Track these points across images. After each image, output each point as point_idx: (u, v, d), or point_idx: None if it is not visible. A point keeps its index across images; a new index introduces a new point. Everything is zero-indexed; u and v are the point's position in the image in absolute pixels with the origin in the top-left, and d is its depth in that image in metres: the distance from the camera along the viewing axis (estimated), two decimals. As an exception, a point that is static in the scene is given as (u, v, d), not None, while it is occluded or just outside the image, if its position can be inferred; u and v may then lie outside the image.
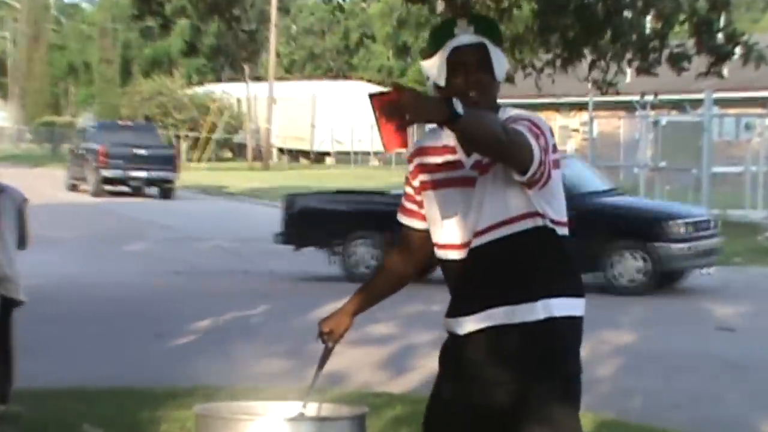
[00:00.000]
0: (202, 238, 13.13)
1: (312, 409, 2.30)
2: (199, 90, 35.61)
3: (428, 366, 4.67)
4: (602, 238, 8.92)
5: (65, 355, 6.11)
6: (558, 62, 9.60)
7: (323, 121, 32.64)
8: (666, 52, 9.48)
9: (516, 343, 2.14)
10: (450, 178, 2.20)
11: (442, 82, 2.17)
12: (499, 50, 2.20)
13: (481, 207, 2.15)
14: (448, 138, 2.18)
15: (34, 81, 47.29)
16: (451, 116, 1.94)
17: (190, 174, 25.08)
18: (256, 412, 2.30)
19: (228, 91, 34.34)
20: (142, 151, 19.84)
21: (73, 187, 21.21)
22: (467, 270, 2.18)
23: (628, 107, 18.23)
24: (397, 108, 1.90)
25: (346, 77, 42.14)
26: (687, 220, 9.17)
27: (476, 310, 2.17)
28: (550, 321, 2.14)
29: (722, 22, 9.43)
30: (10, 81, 48.93)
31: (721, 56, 9.39)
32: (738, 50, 9.39)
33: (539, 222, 2.16)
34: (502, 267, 2.16)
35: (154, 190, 20.36)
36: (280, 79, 36.25)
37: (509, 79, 8.82)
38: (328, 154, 33.27)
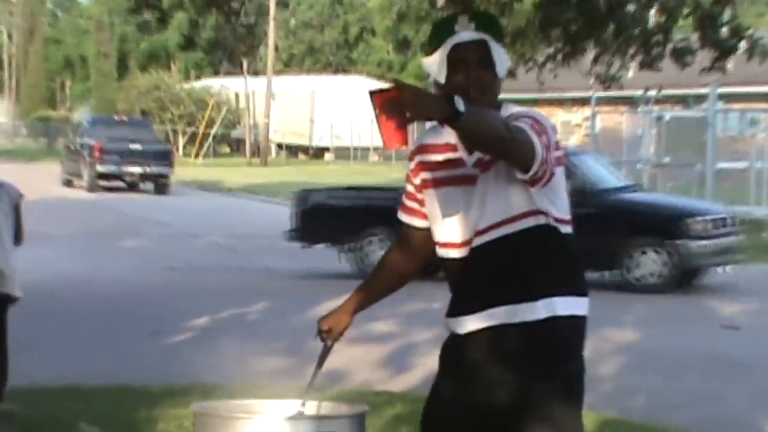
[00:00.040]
0: (198, 234, 13.09)
1: (311, 407, 2.28)
2: (196, 84, 35.57)
3: (429, 364, 4.65)
4: (621, 236, 8.83)
5: (60, 352, 6.08)
6: (559, 56, 9.54)
7: (322, 116, 32.59)
8: (669, 47, 9.44)
9: (518, 342, 2.13)
10: (451, 176, 2.18)
11: (442, 80, 2.16)
12: (501, 47, 2.18)
13: (483, 205, 2.14)
14: (449, 135, 2.16)
15: (29, 75, 47.23)
16: (452, 114, 1.92)
17: (187, 169, 25.04)
18: (254, 411, 2.28)
19: (226, 86, 34.27)
20: (137, 147, 19.81)
21: (68, 183, 21.18)
22: (468, 269, 2.17)
23: (631, 102, 18.18)
24: (397, 105, 1.89)
25: (345, 72, 42.11)
26: (707, 217, 9.07)
27: (477, 309, 2.16)
28: (553, 320, 2.12)
29: (726, 16, 9.38)
30: (5, 75, 48.86)
31: (725, 50, 9.34)
32: (742, 44, 9.35)
33: (542, 220, 2.15)
34: (503, 266, 2.15)
35: (149, 186, 20.31)
36: (278, 73, 36.20)
37: (511, 73, 8.77)
38: (327, 149, 33.21)
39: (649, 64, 9.36)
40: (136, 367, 5.61)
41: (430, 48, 2.21)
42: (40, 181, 19.60)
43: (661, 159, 15.58)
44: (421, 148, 2.24)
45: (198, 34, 44.87)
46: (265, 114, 31.48)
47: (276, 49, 36.24)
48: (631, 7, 9.05)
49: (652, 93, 13.41)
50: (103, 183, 20.07)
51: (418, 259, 2.33)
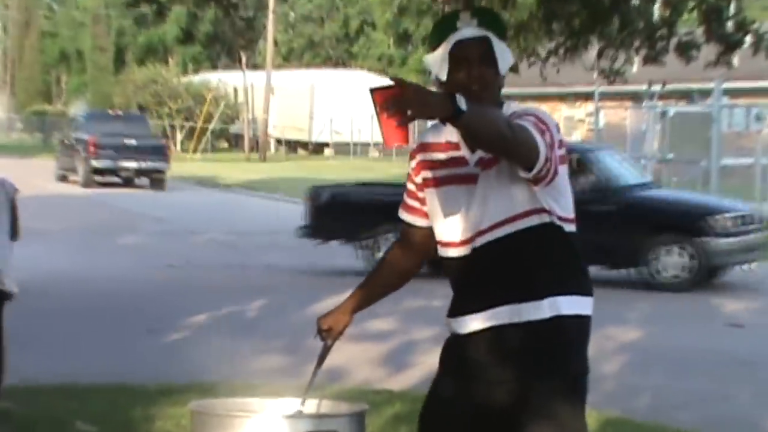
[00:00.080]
0: (196, 231, 13.04)
1: (311, 406, 2.27)
2: (194, 79, 35.46)
3: (429, 362, 4.64)
4: (644, 233, 8.75)
5: (56, 350, 6.05)
6: (562, 50, 9.47)
7: (322, 111, 32.52)
8: (674, 41, 9.37)
9: (521, 342, 2.12)
10: (453, 175, 2.17)
11: (444, 77, 2.16)
12: (503, 44, 2.19)
13: (485, 204, 2.14)
14: (451, 134, 2.17)
15: (25, 69, 47.11)
16: (454, 113, 1.91)
17: (185, 165, 25.01)
18: (253, 409, 2.27)
19: (224, 80, 34.21)
20: (133, 142, 19.79)
21: (63, 178, 21.16)
22: (471, 268, 2.16)
23: (635, 97, 18.13)
24: (398, 103, 1.89)
25: (345, 66, 42.06)
26: (732, 214, 9.00)
27: (480, 309, 2.14)
28: (557, 319, 2.11)
29: (732, 9, 9.31)
30: (0, 69, 48.70)
31: (730, 45, 9.28)
32: (748, 39, 9.28)
33: (545, 218, 2.14)
34: (507, 265, 2.14)
35: (144, 181, 20.31)
36: (278, 67, 36.15)
37: (513, 68, 8.69)
38: (326, 144, 33.16)
39: (653, 58, 9.29)
40: (133, 365, 5.59)
41: (431, 45, 2.20)
42: (34, 177, 19.54)
43: (666, 155, 15.52)
44: (423, 147, 2.23)
45: (196, 27, 44.74)
46: (264, 109, 31.43)
47: (275, 42, 36.16)
48: (635, 1, 8.98)
49: (657, 88, 13.33)
50: (98, 178, 20.05)
51: (419, 258, 2.32)
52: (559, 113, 23.92)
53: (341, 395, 4.01)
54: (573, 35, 9.24)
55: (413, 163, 2.25)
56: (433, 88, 2.12)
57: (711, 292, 8.81)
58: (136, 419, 4.35)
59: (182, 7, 34.35)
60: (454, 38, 2.14)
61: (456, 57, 2.14)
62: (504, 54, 2.16)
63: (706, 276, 8.92)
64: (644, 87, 14.31)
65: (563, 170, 2.13)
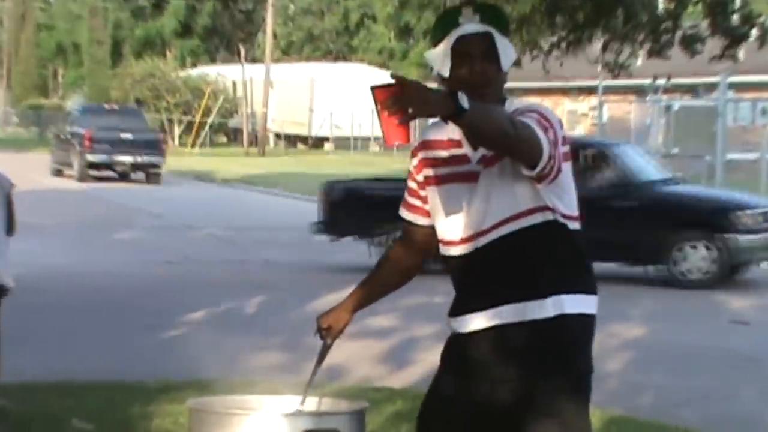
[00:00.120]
0: (194, 226, 13.00)
1: (310, 403, 2.27)
2: (192, 72, 35.37)
3: (430, 360, 4.65)
4: (666, 230, 8.67)
5: (52, 347, 6.03)
6: (565, 44, 9.39)
7: (322, 105, 32.45)
8: (679, 34, 9.29)
9: (525, 341, 2.11)
10: (456, 173, 2.16)
11: (446, 73, 2.14)
12: (506, 39, 2.17)
13: (488, 202, 2.12)
14: (453, 131, 2.15)
15: (21, 62, 46.99)
16: (456, 111, 1.90)
17: (183, 159, 24.95)
18: (251, 407, 2.27)
19: (223, 74, 34.13)
20: (128, 136, 19.76)
21: (58, 173, 21.14)
22: (473, 266, 2.15)
23: (639, 91, 18.04)
24: (399, 101, 1.87)
25: (345, 59, 41.95)
26: (757, 211, 8.93)
27: (483, 308, 2.13)
28: (561, 318, 2.10)
29: (737, 2, 9.24)
30: (-4, 62, 48.55)
31: (736, 38, 9.20)
32: (754, 32, 9.21)
33: (549, 216, 2.13)
34: (510, 263, 2.12)
35: (140, 176, 20.30)
36: (277, 61, 36.07)
37: (516, 62, 8.60)
38: (326, 139, 33.09)
39: (658, 51, 9.22)
40: (131, 362, 5.56)
41: (433, 40, 2.19)
42: (29, 171, 19.50)
43: (670, 149, 15.47)
44: (425, 144, 2.21)
45: (194, 20, 44.60)
46: (263, 103, 31.35)
47: (274, 36, 36.09)
48: (640, -7, 8.91)
49: (661, 82, 13.20)
50: (93, 173, 20.04)
51: (421, 257, 2.30)
52: (562, 107, 23.83)
53: (341, 393, 4.01)
54: (576, 28, 9.16)
55: (415, 161, 2.23)
56: (435, 84, 2.11)
57: (716, 289, 8.78)
58: (133, 417, 4.33)
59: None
60: (456, 34, 2.13)
61: (458, 53, 2.12)
62: (506, 50, 2.14)
63: (728, 273, 8.86)
64: (648, 81, 14.18)
65: (567, 167, 2.11)
